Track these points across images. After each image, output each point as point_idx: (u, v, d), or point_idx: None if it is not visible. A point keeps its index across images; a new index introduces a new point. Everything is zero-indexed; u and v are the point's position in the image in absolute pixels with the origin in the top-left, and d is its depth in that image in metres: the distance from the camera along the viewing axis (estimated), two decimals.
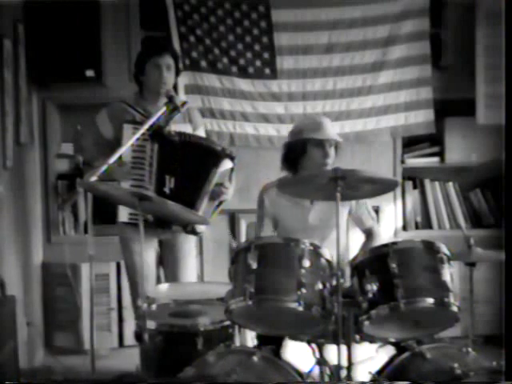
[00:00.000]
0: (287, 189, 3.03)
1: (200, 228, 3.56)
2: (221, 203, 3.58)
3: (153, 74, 3.56)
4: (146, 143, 3.45)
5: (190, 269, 3.75)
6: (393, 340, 2.79)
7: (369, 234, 3.51)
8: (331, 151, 3.31)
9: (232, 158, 3.52)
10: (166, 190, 3.44)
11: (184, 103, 3.56)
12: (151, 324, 2.93)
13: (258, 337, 2.98)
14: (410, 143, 4.88)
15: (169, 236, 3.65)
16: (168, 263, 3.73)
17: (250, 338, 3.15)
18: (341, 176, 2.65)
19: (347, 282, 2.77)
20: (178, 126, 3.56)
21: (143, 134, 3.40)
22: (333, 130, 3.36)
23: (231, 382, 2.53)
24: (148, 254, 3.60)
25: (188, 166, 3.47)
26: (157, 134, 3.43)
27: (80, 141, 4.30)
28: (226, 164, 3.51)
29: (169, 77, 3.58)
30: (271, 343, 2.83)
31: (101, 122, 3.63)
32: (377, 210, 4.72)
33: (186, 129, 3.62)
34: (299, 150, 3.31)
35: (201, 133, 3.74)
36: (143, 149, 3.46)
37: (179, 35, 4.53)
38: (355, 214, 3.49)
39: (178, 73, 3.69)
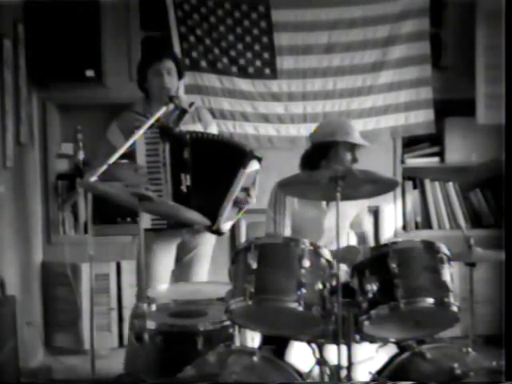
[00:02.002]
0: (287, 188, 3.03)
1: (225, 228, 3.54)
2: (242, 208, 3.56)
3: (155, 80, 3.56)
4: (158, 146, 3.44)
5: (203, 271, 3.75)
6: (393, 340, 2.80)
7: (362, 237, 3.53)
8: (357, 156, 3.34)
9: (259, 160, 3.50)
10: (183, 188, 3.43)
11: (192, 103, 3.55)
12: (151, 324, 2.93)
13: (263, 336, 2.99)
14: (410, 143, 4.88)
15: (189, 237, 3.66)
16: (183, 264, 3.72)
17: (250, 338, 3.15)
18: (341, 176, 2.65)
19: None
20: (188, 127, 3.57)
21: (154, 138, 3.40)
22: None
23: (231, 382, 2.53)
24: (168, 255, 3.63)
25: (211, 165, 3.45)
26: (166, 133, 3.43)
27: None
28: (254, 166, 3.48)
29: (171, 81, 3.57)
30: (275, 343, 2.83)
31: (112, 136, 3.60)
32: (377, 210, 4.74)
33: (197, 128, 3.62)
34: (328, 152, 3.31)
35: (213, 130, 3.74)
36: (156, 152, 3.45)
37: (179, 35, 4.53)
38: (357, 216, 3.51)
39: (180, 75, 3.68)
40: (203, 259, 3.74)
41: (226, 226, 3.54)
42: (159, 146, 3.44)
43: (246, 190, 3.50)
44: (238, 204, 3.50)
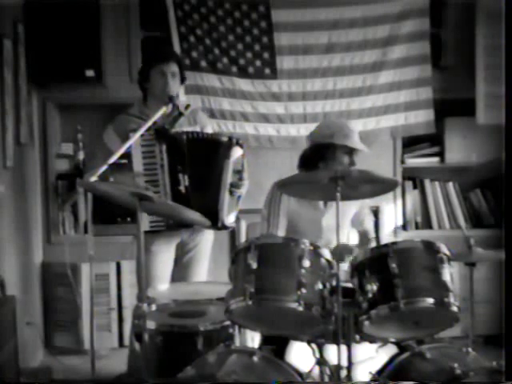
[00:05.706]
0: (286, 189, 3.03)
1: (230, 220, 3.54)
2: (240, 196, 3.58)
3: (158, 81, 3.55)
4: (154, 148, 3.44)
5: (203, 271, 3.76)
6: (393, 340, 2.80)
7: (364, 235, 3.53)
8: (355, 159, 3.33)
9: (240, 145, 3.51)
10: (182, 188, 3.45)
11: (188, 106, 3.55)
12: (151, 324, 2.93)
13: (263, 336, 2.98)
14: (410, 143, 4.88)
15: (187, 237, 3.66)
16: (183, 264, 3.72)
17: (250, 338, 3.15)
18: (341, 176, 2.65)
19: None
20: (184, 129, 3.56)
21: (150, 140, 3.41)
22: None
23: (231, 382, 2.53)
24: (168, 256, 3.63)
25: (200, 163, 3.46)
26: (163, 134, 3.42)
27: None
28: (237, 152, 3.50)
29: (173, 84, 3.57)
30: (275, 343, 2.83)
31: (108, 139, 3.59)
32: (377, 210, 4.73)
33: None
34: (326, 153, 3.29)
35: (209, 131, 3.74)
36: (153, 154, 3.45)
37: (179, 35, 4.53)
38: (358, 215, 3.51)
39: (182, 80, 3.68)
40: (202, 258, 3.74)
41: (230, 219, 3.55)
42: (155, 148, 3.44)
43: (237, 172, 3.51)
44: (233, 190, 3.50)
